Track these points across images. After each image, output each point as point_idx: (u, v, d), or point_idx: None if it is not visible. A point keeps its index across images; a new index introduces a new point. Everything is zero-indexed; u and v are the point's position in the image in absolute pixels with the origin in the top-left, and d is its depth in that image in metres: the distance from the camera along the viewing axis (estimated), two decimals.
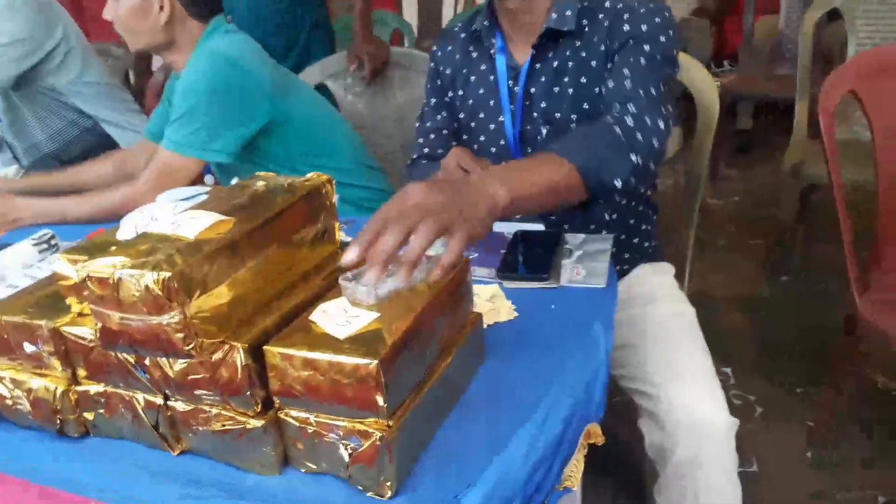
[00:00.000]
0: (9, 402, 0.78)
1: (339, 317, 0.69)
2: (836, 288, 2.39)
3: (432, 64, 1.39)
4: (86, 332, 0.72)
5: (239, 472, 0.71)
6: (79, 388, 0.75)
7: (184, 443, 0.73)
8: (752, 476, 1.70)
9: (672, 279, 1.38)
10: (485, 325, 0.88)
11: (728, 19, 4.82)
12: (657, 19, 1.17)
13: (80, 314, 0.74)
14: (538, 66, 1.24)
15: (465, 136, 1.36)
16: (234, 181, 0.89)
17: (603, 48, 1.19)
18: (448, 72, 1.35)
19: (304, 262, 0.79)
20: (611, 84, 1.15)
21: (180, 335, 0.62)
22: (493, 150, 1.31)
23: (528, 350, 0.88)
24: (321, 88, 1.94)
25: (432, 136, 1.38)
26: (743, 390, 2.04)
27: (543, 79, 1.24)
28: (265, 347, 0.66)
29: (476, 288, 1.01)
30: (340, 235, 1.29)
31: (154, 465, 0.73)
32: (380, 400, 0.63)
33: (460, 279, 0.80)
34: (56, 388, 0.75)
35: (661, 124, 1.08)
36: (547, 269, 1.06)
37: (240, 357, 0.65)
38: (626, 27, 1.17)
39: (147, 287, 0.61)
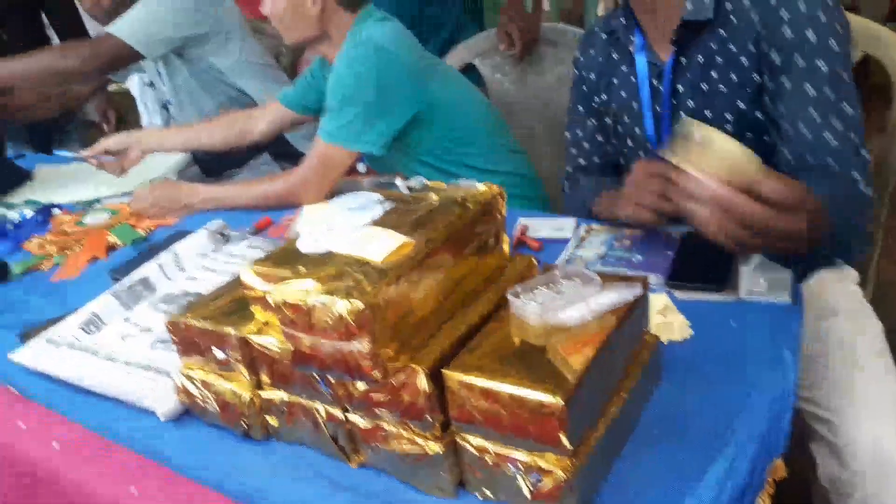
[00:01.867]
0: (199, 401, 0.83)
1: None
2: None
3: (576, 71, 1.32)
4: (272, 342, 0.75)
5: (414, 491, 0.71)
6: (263, 395, 0.78)
7: (361, 456, 0.75)
8: None
9: (856, 288, 1.25)
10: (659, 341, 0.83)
11: None
12: (822, 16, 1.02)
13: (266, 323, 0.76)
14: (683, 61, 1.13)
15: (614, 142, 1.30)
16: (398, 181, 0.89)
17: (753, 49, 1.06)
18: (592, 77, 1.28)
19: (476, 276, 0.77)
20: (800, 127, 1.03)
21: (368, 362, 0.63)
22: (641, 154, 1.24)
23: (706, 374, 0.82)
24: (469, 68, 1.91)
25: (586, 144, 1.32)
26: None
27: (689, 75, 1.13)
28: (445, 372, 0.65)
29: None
30: None
31: (331, 474, 0.75)
32: (563, 438, 0.61)
33: (639, 302, 0.76)
34: (243, 394, 0.79)
35: (860, 175, 1.00)
36: (724, 278, 0.99)
37: (421, 382, 0.65)
38: (788, 33, 1.03)
39: (340, 316, 0.61)
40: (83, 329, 1.02)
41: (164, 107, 2.07)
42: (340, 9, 1.44)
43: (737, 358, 0.85)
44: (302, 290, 0.64)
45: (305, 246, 0.76)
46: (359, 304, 0.60)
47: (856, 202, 0.99)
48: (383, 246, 0.67)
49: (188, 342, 0.82)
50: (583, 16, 3.09)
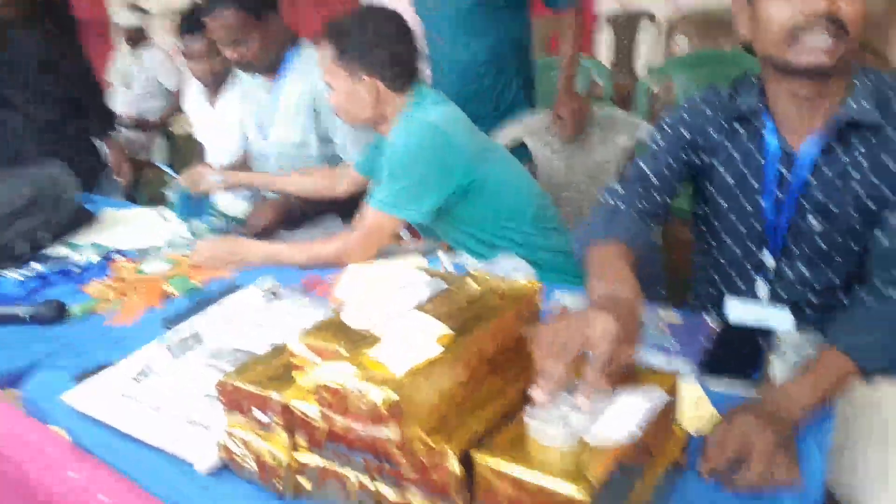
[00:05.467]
0: (238, 458, 0.87)
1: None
2: None
3: (686, 116, 1.26)
4: (311, 409, 0.78)
5: None
6: (298, 457, 0.81)
7: None
8: None
9: None
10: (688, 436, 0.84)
11: None
12: None
13: (308, 391, 0.80)
14: (823, 155, 1.13)
15: (707, 209, 1.29)
16: (441, 254, 0.93)
17: None
18: (700, 142, 1.25)
19: (512, 363, 0.80)
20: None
21: (397, 450, 0.66)
22: (744, 230, 1.24)
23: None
24: (520, 144, 1.97)
25: (661, 169, 1.26)
26: None
27: (828, 171, 1.13)
28: (474, 454, 0.68)
29: None
30: None
31: None
32: None
33: (671, 395, 0.77)
34: (282, 456, 0.82)
35: None
36: (758, 373, 1.00)
37: (452, 464, 0.67)
38: None
39: (374, 404, 0.65)
40: (134, 378, 1.07)
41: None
42: (392, 92, 1.55)
43: None
44: (340, 374, 0.67)
45: (351, 319, 0.80)
46: (393, 397, 0.64)
47: None
48: (422, 336, 0.71)
49: (234, 402, 0.86)
50: (632, 92, 3.16)
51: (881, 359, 0.95)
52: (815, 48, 1.05)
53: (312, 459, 0.81)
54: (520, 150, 1.97)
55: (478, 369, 0.74)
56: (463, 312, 0.76)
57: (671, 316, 1.21)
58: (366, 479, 0.76)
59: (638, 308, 0.86)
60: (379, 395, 0.64)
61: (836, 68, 1.07)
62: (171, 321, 1.30)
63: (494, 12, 2.03)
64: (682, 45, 3.94)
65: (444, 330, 0.72)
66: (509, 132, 1.96)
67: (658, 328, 1.16)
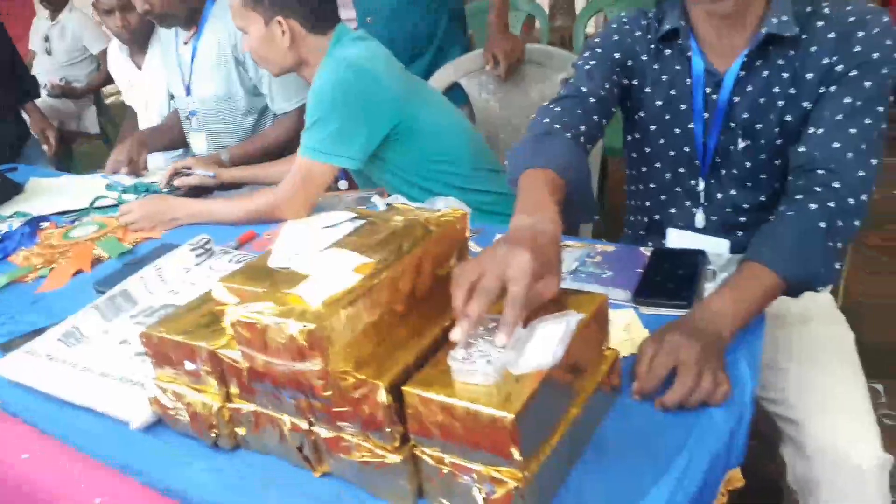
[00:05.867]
0: (171, 412, 0.85)
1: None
2: None
3: (616, 37, 1.25)
4: (238, 354, 0.77)
5: (375, 500, 0.73)
6: (231, 406, 0.81)
7: (324, 466, 0.77)
8: None
9: (828, 296, 1.28)
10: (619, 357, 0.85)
11: None
12: (889, 41, 1.05)
13: (233, 337, 0.78)
14: (745, 73, 1.14)
15: (637, 135, 1.30)
16: (375, 198, 0.92)
17: (826, 62, 1.08)
18: (630, 63, 1.25)
19: (440, 295, 0.80)
20: (818, 133, 1.06)
21: (320, 381, 0.65)
22: (673, 153, 1.25)
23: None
24: (454, 85, 1.95)
25: (593, 85, 1.22)
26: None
27: (750, 88, 1.14)
28: (404, 388, 0.67)
29: (611, 313, 0.98)
30: (470, 244, 1.31)
31: (296, 482, 0.77)
32: (515, 452, 0.63)
33: (599, 316, 0.78)
34: (213, 404, 0.81)
35: (866, 197, 1.03)
36: (689, 296, 1.02)
37: (381, 396, 0.67)
38: (858, 48, 1.06)
39: (291, 336, 0.63)
40: (62, 341, 1.04)
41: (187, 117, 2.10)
42: (310, 34, 1.49)
43: None
44: (257, 311, 0.66)
45: (275, 262, 0.79)
46: (310, 326, 0.63)
47: (841, 215, 1.01)
48: (342, 267, 0.70)
49: (161, 354, 0.84)
50: (572, 35, 3.14)
51: (800, 268, 0.97)
52: None
53: (246, 406, 0.80)
54: (456, 93, 1.95)
55: (402, 300, 0.73)
56: (385, 244, 0.75)
57: (606, 247, 1.22)
58: (300, 422, 0.76)
59: (557, 240, 0.85)
60: (295, 327, 0.63)
61: None
62: (102, 284, 1.26)
63: None
64: None
65: (361, 260, 0.71)
66: (444, 74, 1.93)
67: (594, 260, 1.17)
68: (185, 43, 1.96)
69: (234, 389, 0.80)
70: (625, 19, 1.28)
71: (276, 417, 0.77)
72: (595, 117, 1.20)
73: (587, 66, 1.25)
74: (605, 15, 2.79)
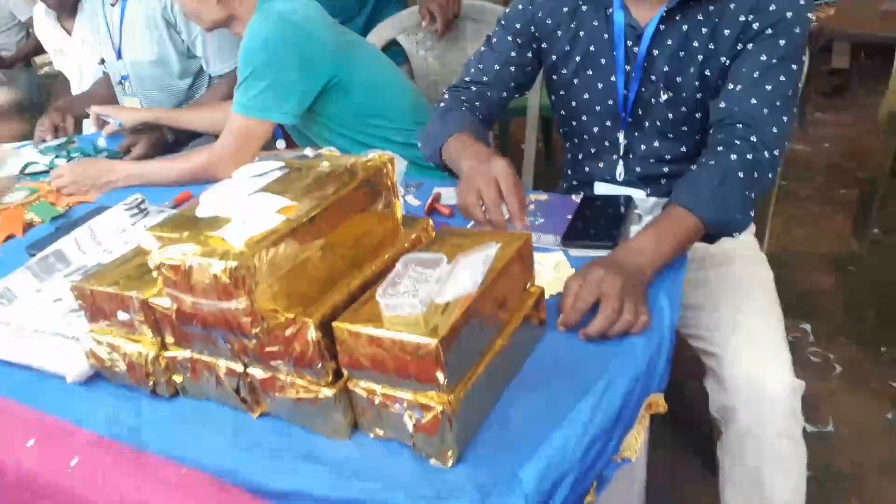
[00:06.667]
0: (108, 363, 0.86)
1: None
2: None
3: (530, 7, 1.29)
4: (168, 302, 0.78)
5: (313, 436, 0.76)
6: (167, 354, 0.82)
7: (262, 406, 0.79)
8: (827, 436, 1.67)
9: (752, 238, 1.34)
10: (548, 296, 0.89)
11: None
12: (802, 1, 1.09)
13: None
14: (665, 27, 1.17)
15: (562, 93, 1.32)
16: (308, 151, 0.93)
17: (743, 19, 1.11)
18: (548, 22, 1.27)
19: (369, 238, 0.82)
20: (736, 89, 1.10)
21: (247, 319, 0.67)
22: (598, 108, 1.28)
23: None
24: (393, 44, 1.94)
25: (495, 66, 1.32)
26: (822, 348, 1.99)
27: (670, 42, 1.17)
28: (335, 324, 0.70)
29: (540, 256, 1.02)
30: (409, 198, 1.33)
31: (237, 426, 0.79)
32: (440, 377, 0.66)
33: (522, 253, 0.81)
34: (148, 353, 0.82)
35: (779, 152, 1.09)
36: (614, 236, 1.06)
37: (311, 333, 0.69)
38: (773, 7, 1.09)
39: (215, 276, 0.65)
40: None
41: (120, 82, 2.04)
42: None
43: None
44: (181, 252, 0.67)
45: (203, 211, 0.79)
46: (233, 265, 0.64)
47: (757, 167, 1.06)
48: (266, 209, 0.71)
49: (95, 307, 0.84)
50: None
51: (720, 212, 1.01)
52: None
53: (181, 353, 0.81)
54: (396, 52, 1.95)
55: (328, 242, 0.75)
56: (310, 188, 0.76)
57: (540, 196, 1.25)
58: (235, 365, 0.77)
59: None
60: (218, 266, 0.65)
61: None
62: (36, 247, 1.24)
63: None
64: None
65: (285, 203, 0.72)
66: (381, 31, 1.92)
67: (527, 209, 1.20)
68: (113, 5, 1.90)
69: (169, 338, 0.82)
70: None
71: (212, 362, 0.79)
72: (491, 94, 1.33)
73: (493, 41, 1.34)
74: None
